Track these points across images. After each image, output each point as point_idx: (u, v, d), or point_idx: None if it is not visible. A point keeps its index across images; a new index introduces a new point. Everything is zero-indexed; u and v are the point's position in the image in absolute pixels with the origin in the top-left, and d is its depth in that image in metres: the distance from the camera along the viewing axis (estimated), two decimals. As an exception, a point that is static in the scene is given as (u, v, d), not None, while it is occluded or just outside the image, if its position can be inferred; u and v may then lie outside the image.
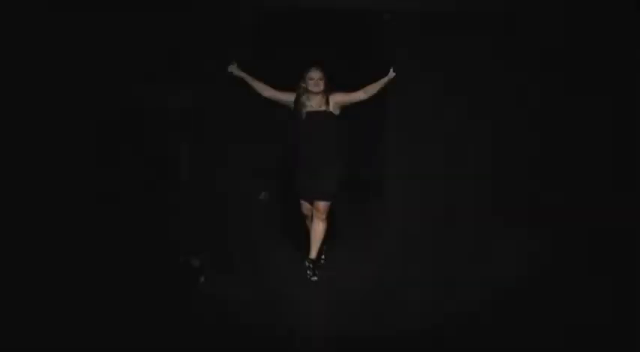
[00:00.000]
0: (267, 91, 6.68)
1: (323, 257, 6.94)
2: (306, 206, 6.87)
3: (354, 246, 7.49)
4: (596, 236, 7.00)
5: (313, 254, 6.73)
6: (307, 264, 6.72)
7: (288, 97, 6.65)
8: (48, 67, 6.70)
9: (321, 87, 6.56)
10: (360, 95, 6.57)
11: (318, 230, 6.71)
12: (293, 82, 6.69)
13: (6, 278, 6.12)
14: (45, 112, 6.69)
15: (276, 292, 6.60)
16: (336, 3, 7.28)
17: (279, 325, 5.88)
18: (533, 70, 7.30)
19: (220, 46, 7.15)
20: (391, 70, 6.57)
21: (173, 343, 5.56)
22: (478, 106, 7.34)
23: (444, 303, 6.40)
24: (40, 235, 6.46)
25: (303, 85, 6.59)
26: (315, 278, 6.68)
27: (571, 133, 7.28)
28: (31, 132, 6.64)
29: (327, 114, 6.58)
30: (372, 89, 6.57)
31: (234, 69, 6.67)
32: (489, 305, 6.30)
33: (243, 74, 6.68)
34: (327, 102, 6.57)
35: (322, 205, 6.69)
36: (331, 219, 6.83)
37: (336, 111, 6.61)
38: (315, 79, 6.55)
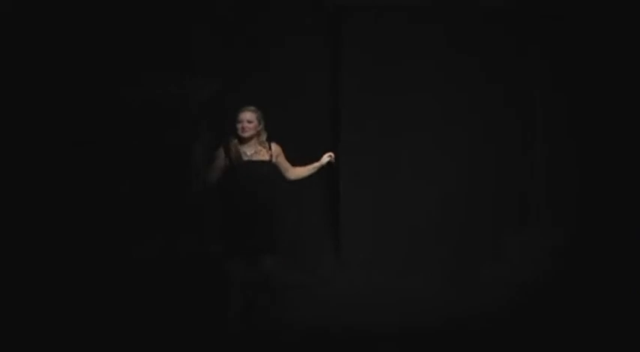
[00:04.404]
0: (216, 174, 5.78)
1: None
2: (239, 269, 5.74)
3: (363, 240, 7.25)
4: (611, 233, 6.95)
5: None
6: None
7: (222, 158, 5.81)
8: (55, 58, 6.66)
9: (249, 132, 5.66)
10: (288, 174, 5.79)
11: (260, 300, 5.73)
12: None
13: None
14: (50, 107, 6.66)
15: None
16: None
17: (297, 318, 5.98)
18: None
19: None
20: (326, 156, 5.75)
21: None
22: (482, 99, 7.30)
23: (457, 301, 6.51)
24: (49, 230, 6.46)
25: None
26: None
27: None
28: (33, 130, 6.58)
29: (268, 163, 5.72)
30: (300, 174, 5.80)
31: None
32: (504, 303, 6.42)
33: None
34: (269, 150, 5.74)
35: (269, 263, 5.68)
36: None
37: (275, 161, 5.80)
38: (242, 121, 5.68)
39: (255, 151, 5.68)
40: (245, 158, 5.64)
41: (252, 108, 5.69)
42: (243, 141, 5.67)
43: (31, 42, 6.55)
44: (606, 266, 6.77)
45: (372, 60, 7.22)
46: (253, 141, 5.68)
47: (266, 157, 5.67)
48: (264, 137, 5.72)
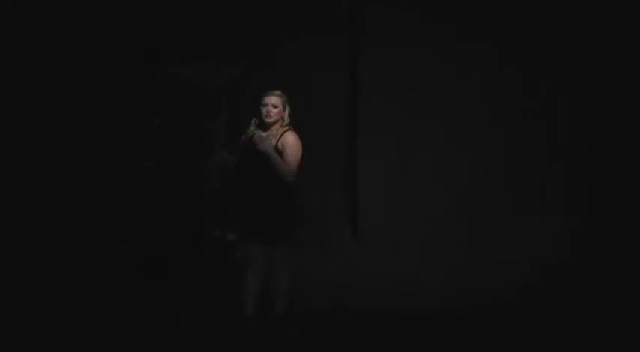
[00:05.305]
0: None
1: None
2: (252, 250, 5.62)
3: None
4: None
5: (281, 309, 5.60)
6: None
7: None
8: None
9: (273, 117, 5.52)
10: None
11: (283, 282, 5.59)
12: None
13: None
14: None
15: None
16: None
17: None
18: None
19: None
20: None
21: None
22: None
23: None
24: (73, 210, 6.55)
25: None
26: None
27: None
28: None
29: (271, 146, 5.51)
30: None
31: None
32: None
33: None
34: (275, 137, 5.52)
35: (280, 252, 5.53)
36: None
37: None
38: (268, 105, 5.52)
39: (267, 135, 5.52)
40: (256, 138, 5.52)
41: (278, 92, 5.54)
42: (265, 124, 5.55)
43: (35, 36, 6.63)
44: (622, 252, 6.57)
45: (390, 53, 7.13)
46: (274, 129, 5.53)
47: (273, 142, 5.49)
48: (286, 122, 5.55)
